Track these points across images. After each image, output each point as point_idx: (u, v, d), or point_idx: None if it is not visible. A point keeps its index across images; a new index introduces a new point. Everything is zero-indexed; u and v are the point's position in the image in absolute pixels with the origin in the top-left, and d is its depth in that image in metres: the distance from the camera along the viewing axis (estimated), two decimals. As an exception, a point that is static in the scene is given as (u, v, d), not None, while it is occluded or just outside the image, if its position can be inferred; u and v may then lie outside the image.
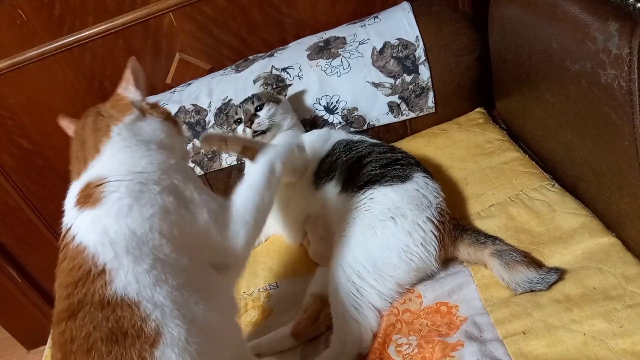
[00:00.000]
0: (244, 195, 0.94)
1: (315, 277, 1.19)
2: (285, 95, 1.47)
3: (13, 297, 2.02)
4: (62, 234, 0.83)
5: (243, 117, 1.37)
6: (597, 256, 0.99)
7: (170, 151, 0.94)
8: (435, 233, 1.06)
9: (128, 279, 0.74)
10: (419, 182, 1.13)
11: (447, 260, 1.10)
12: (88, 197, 0.82)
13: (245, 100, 1.42)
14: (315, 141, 1.37)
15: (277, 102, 1.40)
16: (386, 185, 1.12)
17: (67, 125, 1.01)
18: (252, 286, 1.29)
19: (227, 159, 1.55)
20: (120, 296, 0.73)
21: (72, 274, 0.76)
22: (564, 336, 0.88)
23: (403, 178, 1.13)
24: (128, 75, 1.00)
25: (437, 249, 1.06)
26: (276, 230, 1.40)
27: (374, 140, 1.34)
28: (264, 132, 1.36)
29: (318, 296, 1.10)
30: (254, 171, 0.98)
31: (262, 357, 1.05)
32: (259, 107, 1.37)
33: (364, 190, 1.14)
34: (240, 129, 1.37)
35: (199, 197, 0.88)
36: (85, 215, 0.81)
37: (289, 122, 1.40)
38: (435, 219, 1.08)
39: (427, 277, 1.08)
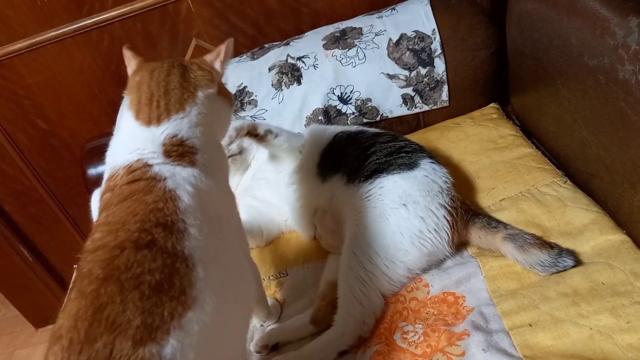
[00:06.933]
0: None
1: (328, 264, 1.19)
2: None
3: (23, 275, 2.04)
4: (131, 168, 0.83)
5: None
6: (607, 252, 0.99)
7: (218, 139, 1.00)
8: (448, 218, 1.07)
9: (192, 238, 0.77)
10: (426, 169, 1.14)
11: (459, 245, 1.11)
12: (182, 155, 0.86)
13: None
14: (313, 132, 1.37)
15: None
16: (394, 173, 1.13)
17: (129, 57, 0.98)
18: (263, 274, 1.30)
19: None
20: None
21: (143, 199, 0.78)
22: (571, 330, 0.88)
23: (410, 165, 1.14)
24: (222, 49, 0.98)
25: (449, 234, 1.07)
26: (290, 226, 1.39)
27: (375, 130, 1.33)
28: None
29: (334, 283, 1.10)
30: None
31: (282, 345, 1.07)
32: None
33: (372, 179, 1.14)
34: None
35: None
36: (177, 170, 0.84)
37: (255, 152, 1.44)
38: (448, 204, 1.08)
39: (438, 262, 1.09)
